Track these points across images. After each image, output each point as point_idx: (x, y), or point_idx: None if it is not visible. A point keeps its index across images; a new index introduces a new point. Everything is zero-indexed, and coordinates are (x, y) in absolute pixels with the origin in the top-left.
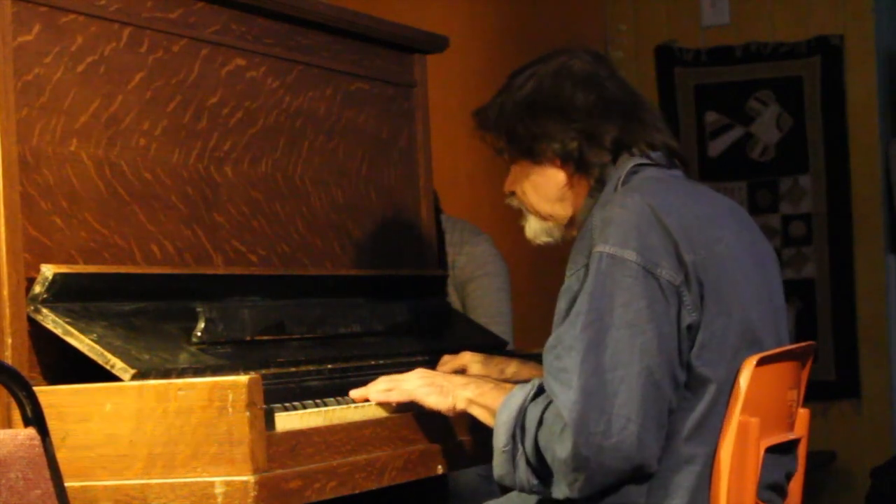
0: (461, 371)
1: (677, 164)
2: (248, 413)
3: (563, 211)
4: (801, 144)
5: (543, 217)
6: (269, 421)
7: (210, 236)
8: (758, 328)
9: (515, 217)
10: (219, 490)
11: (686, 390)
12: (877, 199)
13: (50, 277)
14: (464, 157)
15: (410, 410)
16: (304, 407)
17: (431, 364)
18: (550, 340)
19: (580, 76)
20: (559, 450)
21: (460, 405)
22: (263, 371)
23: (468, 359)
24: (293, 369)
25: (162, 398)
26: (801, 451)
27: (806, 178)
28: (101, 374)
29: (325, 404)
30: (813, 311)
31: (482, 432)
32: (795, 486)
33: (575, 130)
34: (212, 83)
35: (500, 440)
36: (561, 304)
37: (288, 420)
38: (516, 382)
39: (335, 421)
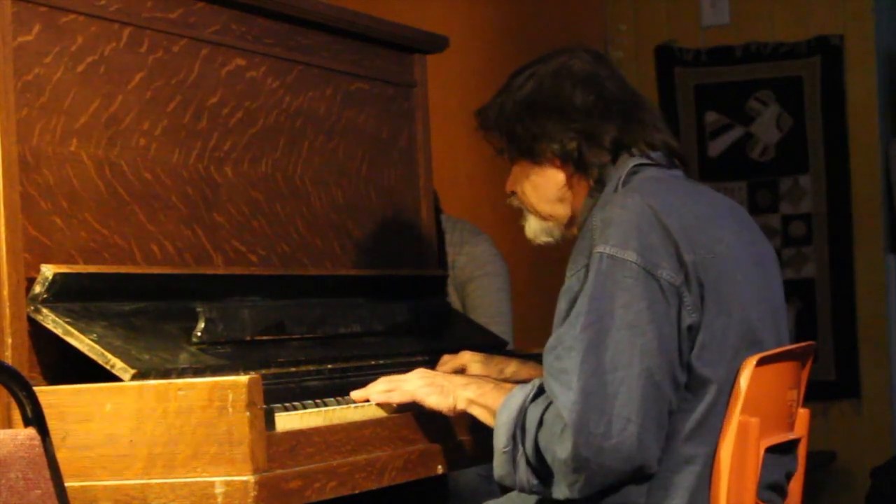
0: (461, 371)
1: (677, 163)
2: (248, 413)
3: (563, 211)
4: (801, 144)
5: (543, 217)
6: (269, 421)
7: (210, 236)
8: (758, 328)
9: (515, 217)
10: (219, 490)
11: (686, 391)
12: (877, 199)
13: (50, 277)
14: (464, 157)
15: (410, 410)
16: (304, 407)
17: (431, 364)
18: (550, 341)
19: (580, 76)
20: (559, 450)
21: (461, 405)
22: (263, 371)
23: (468, 359)
24: (293, 369)
25: (162, 398)
26: (801, 451)
27: (806, 178)
28: (101, 374)
29: (325, 404)
30: (813, 311)
31: (482, 432)
32: (795, 486)
33: (574, 131)
34: (212, 83)
35: (500, 441)
36: (561, 305)
37: (288, 420)
38: (516, 382)
39: (335, 421)
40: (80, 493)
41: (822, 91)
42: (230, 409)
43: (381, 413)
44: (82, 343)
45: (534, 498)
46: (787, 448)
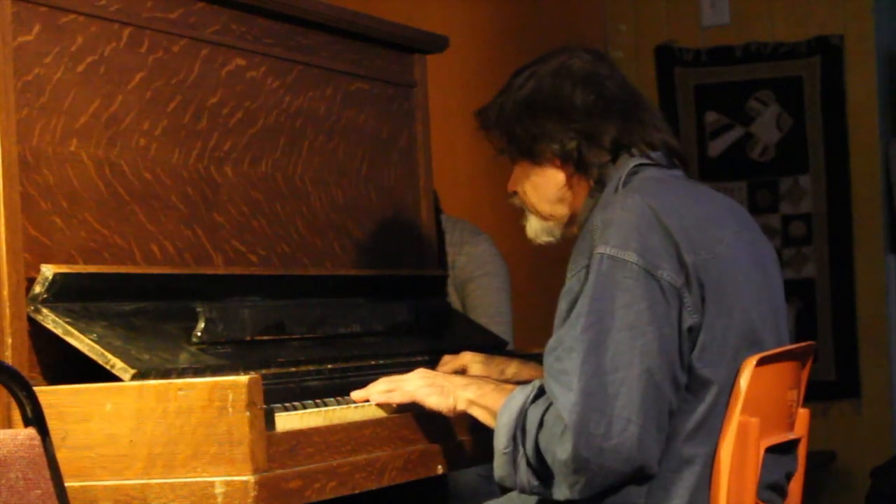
0: (461, 371)
1: (677, 163)
2: (248, 413)
3: (564, 211)
4: (801, 144)
5: (544, 217)
6: (269, 421)
7: (210, 236)
8: (758, 328)
9: (515, 217)
10: (219, 490)
11: (687, 392)
12: (877, 199)
13: (50, 277)
14: (464, 157)
15: (410, 411)
16: (304, 407)
17: (431, 364)
18: (551, 342)
19: (580, 76)
20: (560, 452)
21: (461, 406)
22: (263, 371)
23: (468, 359)
24: (293, 369)
25: (162, 398)
26: (801, 451)
27: (806, 178)
28: (101, 374)
29: (325, 404)
30: (813, 311)
31: (482, 432)
32: (795, 486)
33: (574, 131)
34: (212, 83)
35: (500, 442)
36: (562, 306)
37: (288, 420)
38: (517, 383)
39: (335, 421)
40: (80, 493)
41: (822, 91)
42: (230, 409)
43: (381, 413)
44: (82, 343)
45: (534, 499)
46: (787, 448)
